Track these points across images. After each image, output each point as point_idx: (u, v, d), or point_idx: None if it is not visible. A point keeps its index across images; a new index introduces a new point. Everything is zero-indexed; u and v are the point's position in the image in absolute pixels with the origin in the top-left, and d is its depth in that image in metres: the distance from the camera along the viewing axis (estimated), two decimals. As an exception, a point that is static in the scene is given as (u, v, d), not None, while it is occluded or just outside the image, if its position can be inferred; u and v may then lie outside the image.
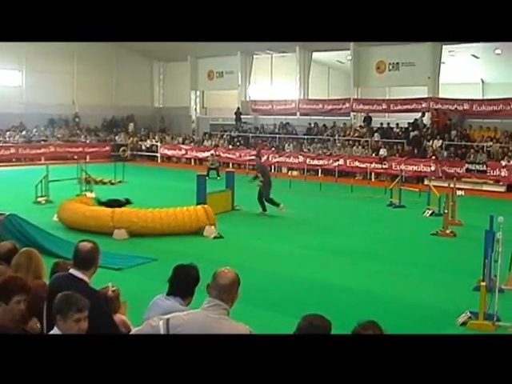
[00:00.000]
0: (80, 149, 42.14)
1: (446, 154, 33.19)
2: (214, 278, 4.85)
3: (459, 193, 22.45)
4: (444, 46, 36.84)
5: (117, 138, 45.71)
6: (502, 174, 30.70)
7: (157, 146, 44.79)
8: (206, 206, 18.40)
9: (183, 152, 43.31)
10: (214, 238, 17.16)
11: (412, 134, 35.76)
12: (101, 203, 19.87)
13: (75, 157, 32.48)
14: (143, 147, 45.54)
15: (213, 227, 17.55)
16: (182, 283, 5.91)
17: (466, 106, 35.58)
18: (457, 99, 36.12)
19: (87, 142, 44.32)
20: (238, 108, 44.44)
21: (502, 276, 10.89)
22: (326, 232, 19.03)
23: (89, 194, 23.37)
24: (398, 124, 37.66)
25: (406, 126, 36.62)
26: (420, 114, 36.78)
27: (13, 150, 40.18)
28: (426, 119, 36.62)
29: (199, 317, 4.73)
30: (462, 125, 35.65)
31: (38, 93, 42.77)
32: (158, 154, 44.38)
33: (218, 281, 4.81)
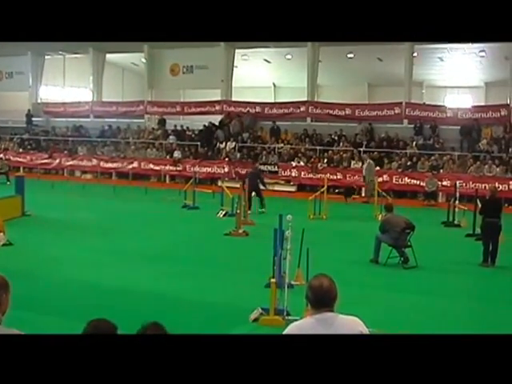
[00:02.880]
0: None
1: (238, 155, 33.95)
2: None
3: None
4: (237, 50, 37.75)
5: None
6: (293, 174, 31.95)
7: None
8: (-7, 212, 17.56)
9: (-31, 157, 40.93)
10: (3, 245, 16.40)
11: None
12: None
13: None
14: None
15: (1, 234, 16.77)
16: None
17: (258, 109, 36.68)
18: (249, 102, 37.20)
19: None
20: (29, 110, 43.01)
21: (291, 272, 11.31)
22: (119, 235, 18.74)
23: None
24: (188, 127, 38.11)
25: (201, 128, 37.09)
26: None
27: None
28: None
29: None
30: (255, 127, 36.64)
31: None
32: None
33: None
